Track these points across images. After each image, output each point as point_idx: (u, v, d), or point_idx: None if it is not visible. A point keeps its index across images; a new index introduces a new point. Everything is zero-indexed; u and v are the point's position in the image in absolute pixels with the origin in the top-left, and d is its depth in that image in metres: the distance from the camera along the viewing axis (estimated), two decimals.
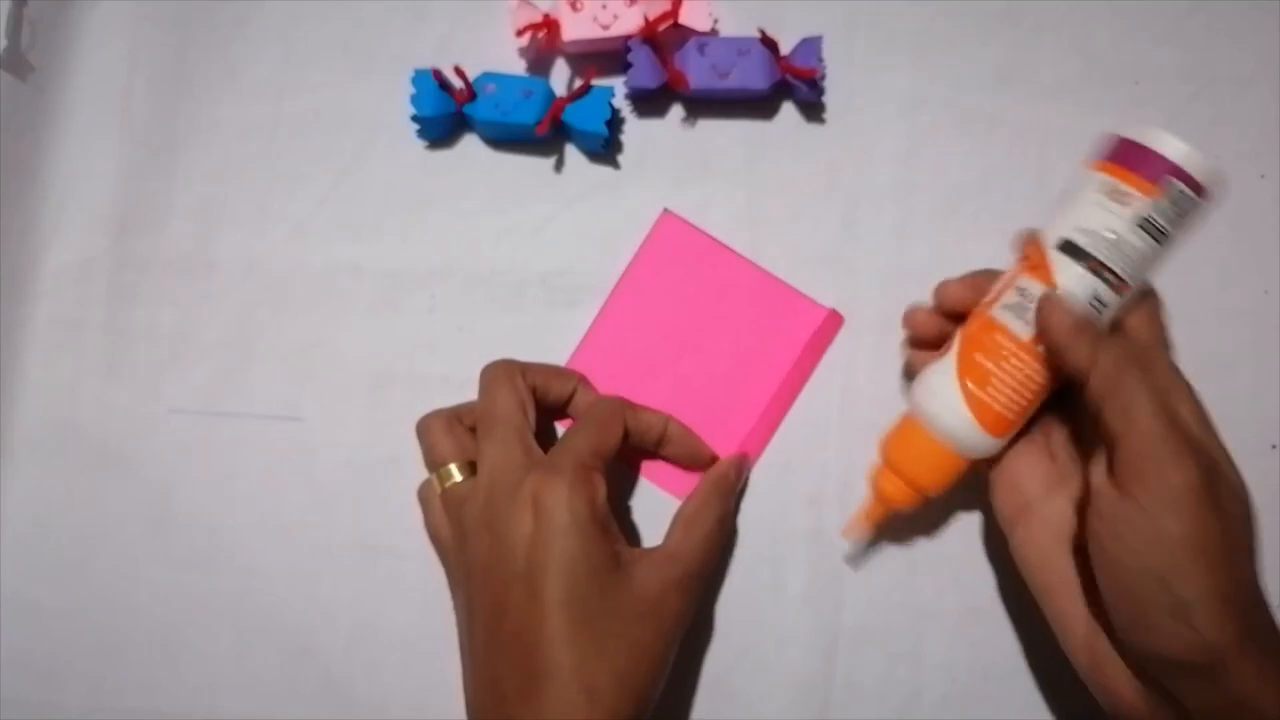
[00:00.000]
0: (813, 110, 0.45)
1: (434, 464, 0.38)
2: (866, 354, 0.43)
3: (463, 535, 0.37)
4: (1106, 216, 0.32)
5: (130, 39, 0.47)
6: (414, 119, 0.44)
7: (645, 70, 0.43)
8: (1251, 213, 0.44)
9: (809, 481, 0.43)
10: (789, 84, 0.44)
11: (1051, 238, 0.33)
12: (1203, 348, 0.43)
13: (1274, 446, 0.43)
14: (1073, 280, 0.32)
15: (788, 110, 0.46)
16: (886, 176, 0.45)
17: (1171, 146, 0.31)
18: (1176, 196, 0.31)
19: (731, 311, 0.44)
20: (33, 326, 0.45)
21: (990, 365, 0.34)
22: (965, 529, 0.42)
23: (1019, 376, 0.34)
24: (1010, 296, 0.34)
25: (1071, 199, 0.34)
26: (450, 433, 0.38)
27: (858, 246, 0.44)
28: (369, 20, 0.47)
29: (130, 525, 0.43)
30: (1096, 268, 0.32)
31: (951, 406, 0.35)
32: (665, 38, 0.44)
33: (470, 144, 0.46)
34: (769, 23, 0.43)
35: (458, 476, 0.37)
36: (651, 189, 0.45)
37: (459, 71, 0.43)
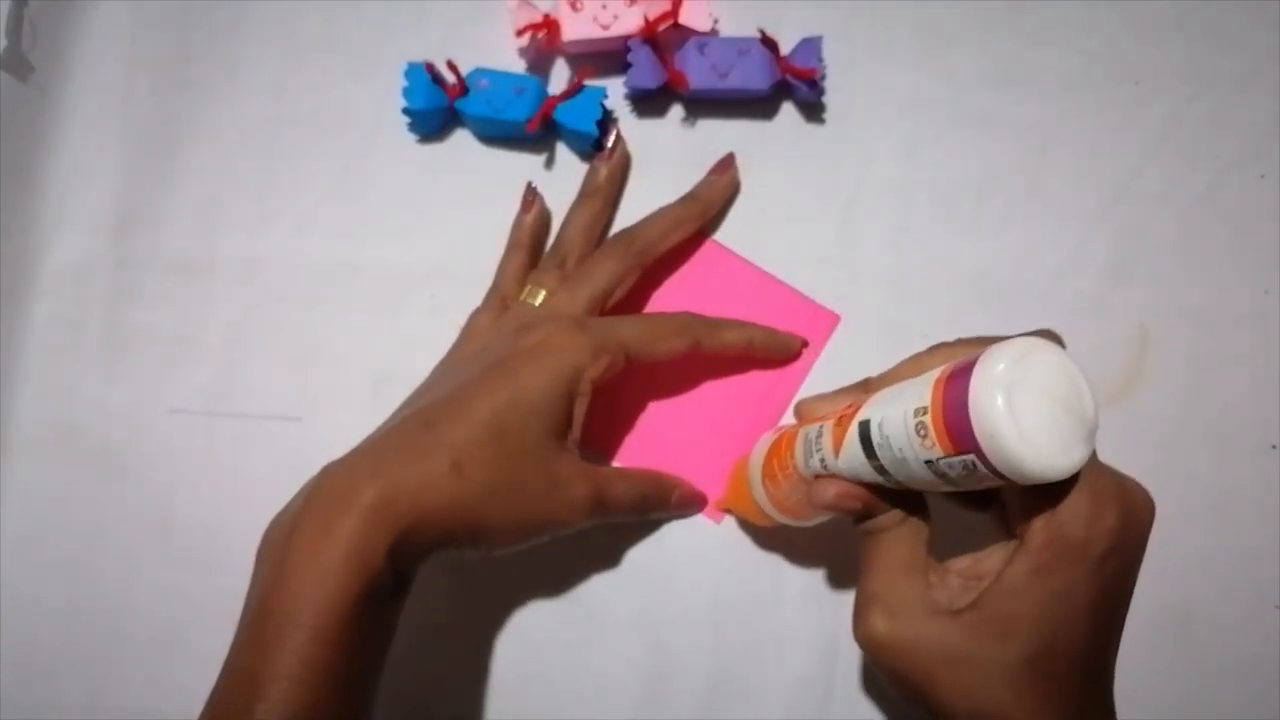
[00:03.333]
0: (813, 110, 0.45)
1: (534, 281, 0.41)
2: (866, 354, 0.43)
3: (480, 336, 0.41)
4: (905, 438, 0.29)
5: (130, 39, 0.47)
6: (405, 112, 0.44)
7: (645, 70, 0.43)
8: (1251, 213, 0.44)
9: None
10: (789, 84, 0.44)
11: (865, 410, 0.31)
12: (1203, 348, 0.43)
13: (1274, 446, 0.43)
14: (855, 462, 0.32)
15: (788, 110, 0.46)
16: (886, 176, 0.45)
17: (988, 425, 0.26)
18: (971, 465, 0.28)
19: (725, 309, 0.43)
20: (33, 326, 0.45)
21: (778, 473, 0.36)
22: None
23: (796, 494, 0.36)
24: (812, 431, 0.34)
25: (903, 385, 0.31)
26: (561, 269, 0.41)
27: (858, 246, 0.44)
28: (369, 20, 0.47)
29: (130, 525, 0.43)
30: (879, 468, 0.31)
31: (757, 482, 0.38)
32: (665, 38, 0.44)
33: (469, 144, 0.46)
34: (769, 23, 0.43)
35: (537, 301, 0.40)
36: (651, 189, 0.45)
37: (451, 65, 0.43)
